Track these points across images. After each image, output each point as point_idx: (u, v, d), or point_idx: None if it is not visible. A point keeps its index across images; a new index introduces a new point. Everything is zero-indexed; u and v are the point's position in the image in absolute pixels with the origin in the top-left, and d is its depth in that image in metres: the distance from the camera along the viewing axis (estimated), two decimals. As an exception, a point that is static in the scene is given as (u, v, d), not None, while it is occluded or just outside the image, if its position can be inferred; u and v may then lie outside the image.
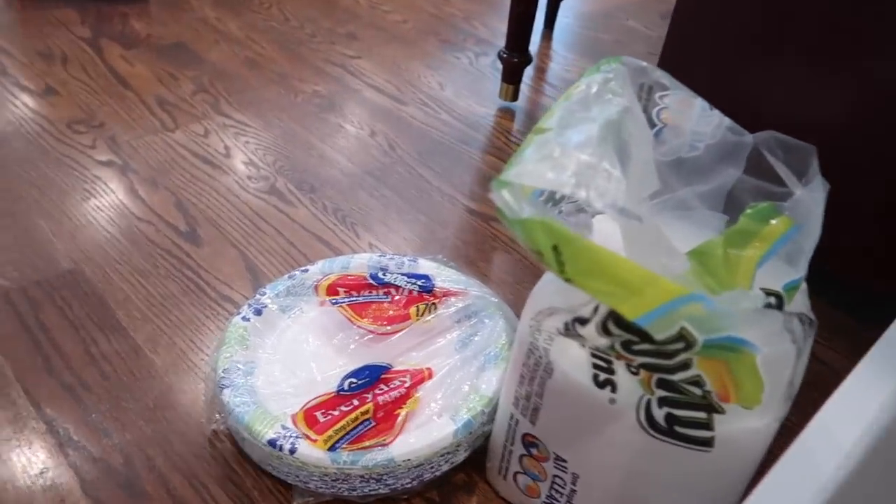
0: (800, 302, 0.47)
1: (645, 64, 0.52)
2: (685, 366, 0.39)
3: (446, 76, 1.22)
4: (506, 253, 0.83)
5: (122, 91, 1.04)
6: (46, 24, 1.20)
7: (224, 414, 0.55)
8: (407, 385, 0.56)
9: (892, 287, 0.71)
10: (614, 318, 0.37)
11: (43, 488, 0.53)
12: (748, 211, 0.47)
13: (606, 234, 0.40)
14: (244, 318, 0.61)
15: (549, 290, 0.47)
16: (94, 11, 1.27)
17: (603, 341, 0.39)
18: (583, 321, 0.40)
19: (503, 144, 1.04)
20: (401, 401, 0.55)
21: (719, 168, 0.52)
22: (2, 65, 1.06)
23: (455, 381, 0.56)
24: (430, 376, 0.57)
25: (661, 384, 0.41)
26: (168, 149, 0.93)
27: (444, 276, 0.65)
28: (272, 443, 0.51)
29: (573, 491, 0.49)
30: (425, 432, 0.52)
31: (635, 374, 0.42)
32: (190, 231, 0.80)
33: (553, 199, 0.45)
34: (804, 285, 0.48)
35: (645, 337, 0.37)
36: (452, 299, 0.63)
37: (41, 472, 0.55)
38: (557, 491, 0.50)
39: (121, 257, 0.75)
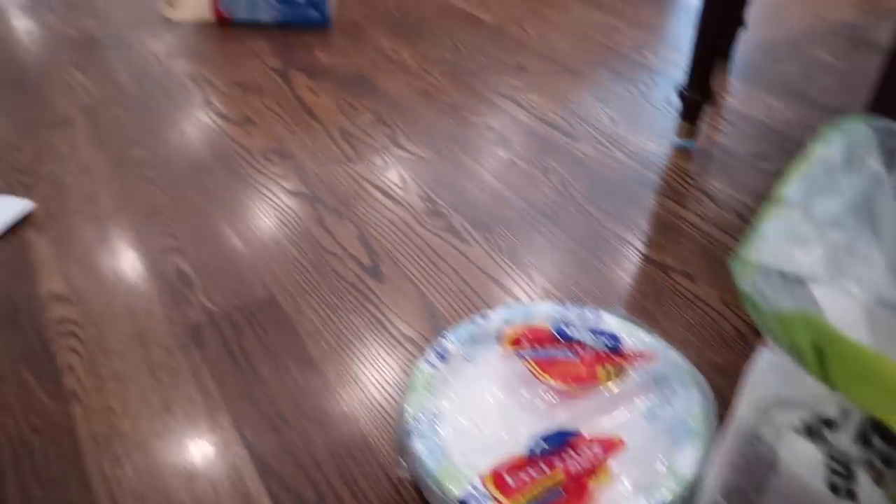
0: None
1: (887, 122, 0.47)
2: (951, 493, 0.35)
3: (618, 109, 1.19)
4: (688, 308, 0.79)
5: (308, 121, 1.11)
6: (242, 55, 1.30)
7: (411, 462, 0.57)
8: (597, 454, 0.54)
9: None
10: (880, 430, 0.34)
11: (245, 513, 0.57)
12: None
13: (837, 313, 0.37)
14: (430, 364, 0.62)
15: (773, 374, 0.44)
16: (282, 41, 1.36)
17: (858, 453, 0.36)
18: (830, 424, 0.37)
19: (681, 187, 1.00)
20: (591, 472, 0.53)
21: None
22: (207, 95, 1.16)
23: (648, 456, 0.54)
24: (622, 447, 0.55)
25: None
26: (350, 180, 0.98)
27: (631, 335, 0.64)
28: (463, 502, 0.51)
29: None
30: (619, 509, 0.50)
31: (880, 484, 0.38)
32: (373, 266, 0.83)
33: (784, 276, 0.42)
34: None
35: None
36: (641, 363, 0.61)
37: (244, 499, 0.58)
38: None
39: (311, 288, 0.79)
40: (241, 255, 0.83)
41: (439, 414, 0.59)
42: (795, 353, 0.34)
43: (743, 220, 0.94)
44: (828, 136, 0.45)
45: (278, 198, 0.94)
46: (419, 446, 0.55)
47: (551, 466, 0.54)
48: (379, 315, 0.76)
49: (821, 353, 0.33)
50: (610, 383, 0.60)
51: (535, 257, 0.86)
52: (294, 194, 0.94)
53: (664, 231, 0.92)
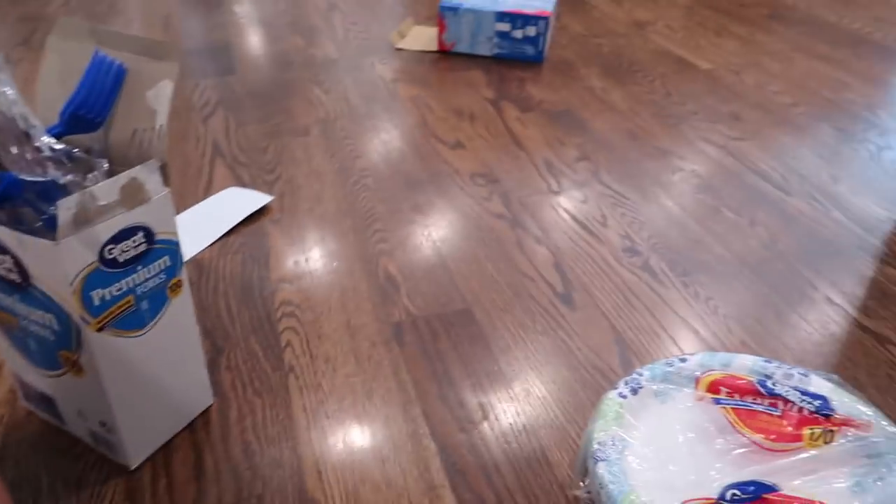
0: None
1: None
2: None
3: (840, 169, 1.12)
4: (907, 386, 0.72)
5: (515, 151, 1.16)
6: (460, 84, 1.39)
7: (593, 485, 0.57)
8: (795, 515, 0.52)
9: None
10: None
11: None
12: None
13: None
14: (621, 395, 0.63)
15: None
16: (497, 74, 1.43)
17: None
18: None
19: (908, 256, 0.92)
20: (786, 531, 0.51)
21: None
22: (424, 117, 1.26)
23: (853, 529, 0.50)
24: (823, 513, 0.52)
25: None
26: (551, 210, 1.01)
27: (843, 401, 0.60)
28: (645, 533, 0.51)
29: None
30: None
31: None
32: (566, 294, 0.85)
33: None
34: None
35: None
36: (853, 431, 0.57)
37: (429, 489, 0.62)
38: None
39: (506, 306, 0.83)
40: (444, 267, 0.89)
41: (626, 443, 0.59)
42: None
43: (984, 302, 0.84)
44: None
45: (481, 218, 0.99)
46: (603, 470, 0.56)
47: (743, 519, 0.52)
48: (568, 341, 0.78)
49: None
50: (815, 446, 0.56)
51: (735, 308, 0.83)
52: (497, 216, 0.99)
53: (883, 299, 0.85)
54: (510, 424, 0.68)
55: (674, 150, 1.17)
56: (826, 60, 1.54)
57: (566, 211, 1.01)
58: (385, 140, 1.18)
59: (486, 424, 0.68)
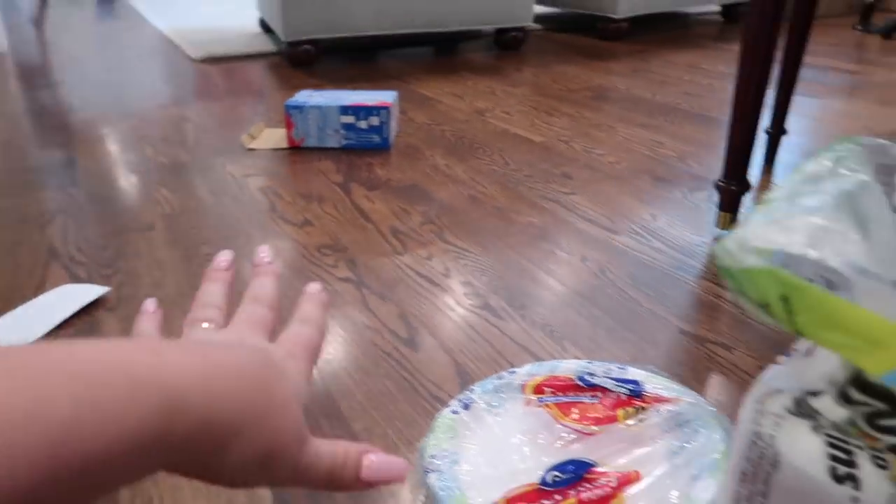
0: None
1: (884, 142, 0.49)
2: (944, 454, 0.33)
3: (659, 208, 1.23)
4: (723, 376, 0.77)
5: (363, 223, 1.19)
6: (309, 173, 1.43)
7: (427, 498, 0.57)
8: (612, 486, 0.53)
9: None
10: (858, 382, 0.34)
11: (264, 551, 0.58)
12: None
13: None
14: (453, 412, 0.64)
15: (775, 375, 0.44)
16: (347, 161, 1.49)
17: (842, 413, 0.35)
18: (816, 393, 0.36)
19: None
20: (605, 500, 0.52)
21: None
22: (273, 204, 1.28)
23: (664, 488, 0.52)
24: (638, 479, 0.54)
25: (918, 480, 0.35)
26: (397, 269, 1.03)
27: (655, 383, 0.63)
28: (472, 528, 0.50)
29: None
30: (632, 536, 0.48)
31: (884, 467, 0.36)
32: (409, 338, 0.86)
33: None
34: None
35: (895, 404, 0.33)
36: (663, 405, 0.60)
37: (264, 537, 0.59)
38: None
39: (347, 356, 0.83)
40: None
41: (458, 455, 0.59)
42: (765, 306, 0.35)
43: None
44: (820, 153, 0.48)
45: (328, 283, 1.00)
46: (434, 481, 0.56)
47: (565, 496, 0.53)
48: (411, 379, 0.78)
49: (788, 303, 0.34)
50: (629, 422, 0.59)
51: (570, 331, 0.87)
52: (342, 280, 1.00)
53: (702, 308, 0.91)
54: (351, 462, 0.66)
55: (512, 207, 1.24)
56: (644, 127, 1.72)
57: (410, 268, 1.04)
58: (231, 224, 1.19)
59: (326, 466, 0.66)
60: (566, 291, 0.96)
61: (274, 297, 0.45)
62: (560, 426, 0.60)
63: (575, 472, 0.55)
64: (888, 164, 0.48)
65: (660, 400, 0.61)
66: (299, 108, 1.55)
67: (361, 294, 0.97)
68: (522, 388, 0.66)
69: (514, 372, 0.69)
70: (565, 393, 0.64)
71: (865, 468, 0.37)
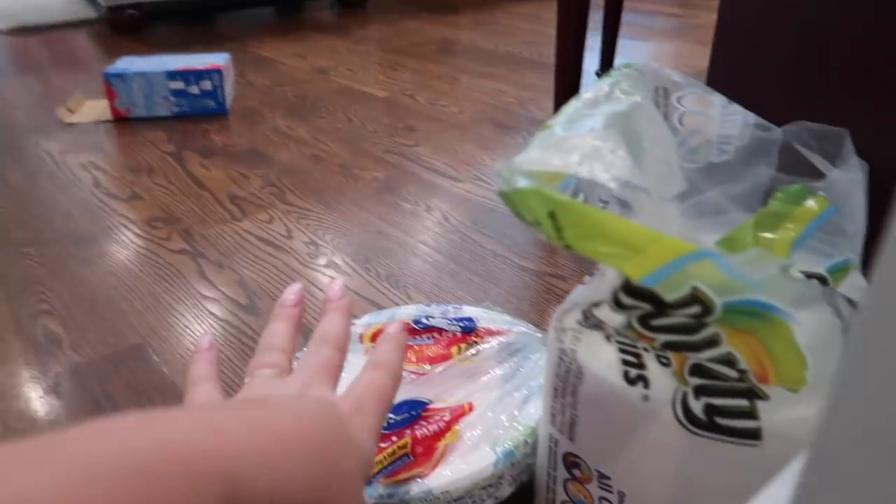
0: (850, 287, 0.43)
1: (656, 65, 0.51)
2: (713, 342, 0.36)
3: (501, 154, 1.25)
4: (559, 303, 0.80)
5: (197, 192, 1.13)
6: (137, 144, 1.33)
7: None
8: (447, 419, 0.54)
9: None
10: (625, 287, 0.35)
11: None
12: (778, 194, 0.45)
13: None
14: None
15: (576, 293, 0.45)
16: (180, 130, 1.40)
17: (619, 319, 0.37)
18: (598, 304, 0.38)
19: (558, 207, 1.03)
20: (439, 434, 0.52)
21: (751, 168, 0.50)
22: (96, 180, 1.18)
23: (496, 415, 0.53)
24: (472, 410, 0.55)
25: (695, 371, 0.38)
26: (235, 236, 0.99)
27: (488, 318, 0.64)
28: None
29: (623, 516, 0.45)
30: (464, 464, 0.49)
31: (666, 364, 0.39)
32: (249, 304, 0.83)
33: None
34: (857, 273, 0.44)
35: (659, 305, 0.34)
36: (496, 338, 0.61)
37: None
38: (607, 518, 0.46)
39: (184, 330, 0.78)
40: (117, 310, 0.82)
41: (294, 412, 0.58)
42: (538, 224, 0.36)
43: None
44: (599, 81, 0.49)
45: (160, 256, 0.94)
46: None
47: (401, 436, 0.53)
48: (251, 345, 0.75)
49: (555, 219, 0.35)
50: (462, 357, 0.60)
51: (415, 279, 0.87)
52: (176, 252, 0.95)
53: (541, 245, 0.94)
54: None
55: (356, 164, 1.22)
56: (486, 76, 1.74)
57: (250, 233, 0.99)
58: (48, 205, 1.08)
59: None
60: (411, 241, 0.96)
61: (343, 337, 0.43)
62: (397, 370, 0.60)
63: (410, 412, 0.55)
64: (664, 86, 0.50)
65: (492, 333, 0.62)
66: (120, 76, 1.43)
67: (198, 265, 0.92)
68: (360, 338, 0.65)
69: (353, 324, 0.67)
70: (402, 337, 0.63)
71: (652, 368, 0.39)
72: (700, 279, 0.33)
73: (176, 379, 0.71)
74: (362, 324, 0.67)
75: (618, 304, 0.36)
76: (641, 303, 0.35)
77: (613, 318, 0.37)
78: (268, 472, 0.28)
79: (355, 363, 0.63)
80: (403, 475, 0.50)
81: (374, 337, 0.64)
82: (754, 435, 0.37)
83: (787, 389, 0.36)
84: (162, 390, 0.69)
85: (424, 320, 0.65)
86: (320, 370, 0.39)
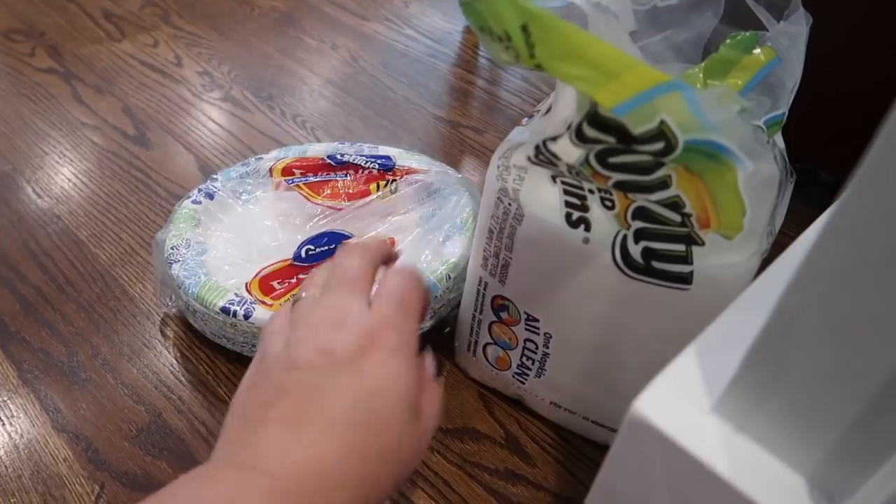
0: (780, 143, 0.44)
1: None
2: (664, 184, 0.36)
3: (411, -6, 1.17)
4: (474, 157, 0.79)
5: (63, 3, 0.98)
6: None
7: (174, 290, 0.51)
8: (368, 257, 0.52)
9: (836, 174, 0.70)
10: (590, 119, 0.34)
11: (-24, 377, 0.49)
12: (728, 41, 0.44)
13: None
14: (194, 202, 0.57)
15: (518, 132, 0.44)
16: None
17: (577, 153, 0.36)
18: (554, 138, 0.37)
19: (471, 58, 1.00)
20: (362, 271, 0.51)
21: (696, 14, 0.49)
22: (-68, -23, 0.99)
23: (417, 250, 0.53)
24: (393, 245, 0.54)
25: (638, 215, 0.38)
26: (115, 58, 0.88)
27: (406, 157, 0.62)
28: (225, 310, 0.47)
29: (545, 355, 0.46)
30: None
31: (610, 208, 0.39)
32: (139, 135, 0.75)
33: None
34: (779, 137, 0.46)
35: (623, 139, 0.33)
36: (415, 176, 0.59)
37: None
38: (528, 357, 0.47)
39: (62, 158, 0.70)
40: (-25, 131, 0.72)
41: (204, 244, 0.54)
42: (507, 38, 0.33)
43: (528, 83, 0.95)
44: None
45: (25, 76, 0.82)
46: (178, 271, 0.50)
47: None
48: (145, 179, 0.69)
49: (527, 32, 0.32)
50: (382, 195, 0.58)
51: (323, 120, 0.82)
52: (44, 71, 0.83)
53: (455, 95, 0.91)
54: (77, 271, 0.58)
55: (251, -10, 1.10)
56: None
57: (133, 57, 0.88)
58: None
59: (53, 273, 0.57)
60: (317, 80, 0.90)
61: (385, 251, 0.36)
62: (312, 205, 0.57)
63: (330, 245, 0.53)
64: None
65: (411, 171, 0.60)
66: None
67: (72, 87, 0.81)
68: (270, 172, 0.61)
69: (260, 158, 0.63)
70: (316, 173, 0.60)
71: (595, 211, 0.39)
72: (667, 113, 0.32)
73: (59, 210, 0.64)
74: (271, 158, 0.63)
75: (580, 137, 0.35)
76: (606, 136, 0.34)
77: (571, 154, 0.36)
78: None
79: (263, 197, 0.60)
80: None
81: (285, 171, 0.61)
82: (686, 280, 0.39)
83: (723, 236, 0.37)
84: (43, 222, 0.63)
85: (339, 157, 0.62)
86: (353, 283, 0.32)
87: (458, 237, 0.52)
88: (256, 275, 0.50)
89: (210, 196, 0.58)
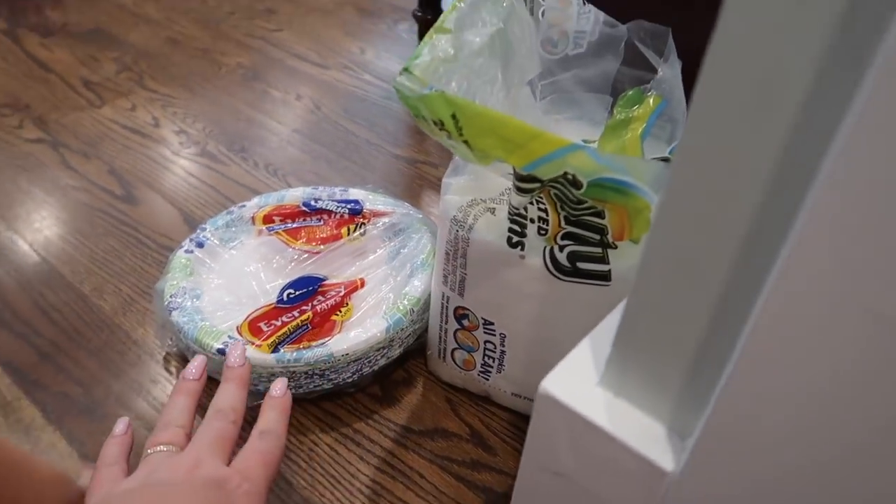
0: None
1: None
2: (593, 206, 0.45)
3: (366, 41, 1.26)
4: (432, 190, 0.88)
5: (44, 75, 1.05)
6: (-42, 20, 1.20)
7: (174, 334, 0.59)
8: (342, 294, 0.60)
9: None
10: (516, 176, 0.43)
11: (8, 423, 0.56)
12: (619, 103, 0.54)
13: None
14: (187, 251, 0.65)
15: (467, 185, 0.53)
16: (8, 4, 1.27)
17: (522, 198, 0.45)
18: (503, 193, 0.45)
19: (424, 97, 1.09)
20: (336, 307, 0.59)
21: (601, 59, 0.58)
22: (-84, 59, 1.06)
23: (384, 288, 0.61)
24: (363, 285, 0.62)
25: (566, 237, 0.47)
26: (97, 124, 0.95)
27: (373, 200, 0.70)
28: (221, 351, 0.54)
29: (503, 352, 0.55)
30: (361, 331, 0.56)
31: (544, 233, 0.47)
32: (126, 194, 0.83)
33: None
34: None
35: (541, 181, 0.42)
36: (381, 219, 0.68)
37: (6, 406, 0.57)
38: (489, 356, 0.56)
39: (58, 221, 0.77)
40: (-24, 202, 0.79)
41: (198, 290, 0.62)
42: (440, 124, 0.42)
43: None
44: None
45: (15, 146, 0.89)
46: (177, 318, 0.58)
47: (302, 311, 0.59)
48: (135, 233, 0.77)
49: (456, 119, 0.41)
50: (352, 238, 0.66)
51: (293, 167, 0.90)
52: (33, 142, 0.90)
53: (411, 134, 1.00)
54: (85, 322, 0.65)
55: (217, 48, 1.19)
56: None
57: (114, 121, 0.96)
58: None
59: (62, 326, 0.64)
60: (284, 130, 0.98)
61: (239, 409, 0.44)
62: (291, 250, 0.65)
63: (308, 288, 0.61)
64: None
65: (377, 214, 0.68)
66: (-76, -65, 1.25)
67: (59, 154, 0.89)
68: (252, 219, 0.69)
69: (243, 206, 0.71)
70: (293, 220, 0.68)
71: (531, 236, 0.48)
72: (575, 164, 0.41)
73: (62, 269, 0.71)
74: (253, 205, 0.71)
75: (518, 189, 0.44)
76: (533, 183, 0.43)
77: (521, 200, 0.45)
78: None
79: (247, 243, 0.68)
80: (306, 342, 0.56)
81: (265, 219, 0.69)
82: (606, 277, 0.47)
83: (632, 241, 0.46)
84: (48, 280, 0.70)
85: (313, 203, 0.70)
86: (213, 444, 0.40)
87: (421, 273, 0.61)
88: (246, 318, 0.58)
89: (200, 245, 0.66)
